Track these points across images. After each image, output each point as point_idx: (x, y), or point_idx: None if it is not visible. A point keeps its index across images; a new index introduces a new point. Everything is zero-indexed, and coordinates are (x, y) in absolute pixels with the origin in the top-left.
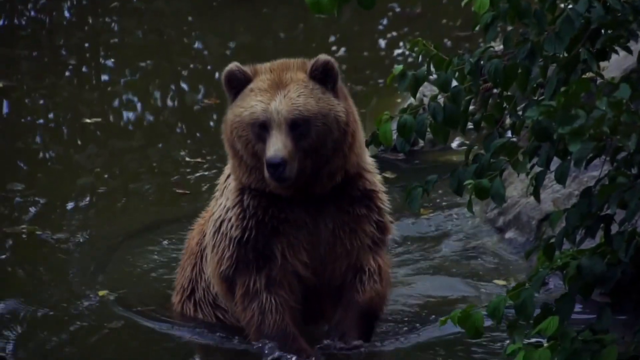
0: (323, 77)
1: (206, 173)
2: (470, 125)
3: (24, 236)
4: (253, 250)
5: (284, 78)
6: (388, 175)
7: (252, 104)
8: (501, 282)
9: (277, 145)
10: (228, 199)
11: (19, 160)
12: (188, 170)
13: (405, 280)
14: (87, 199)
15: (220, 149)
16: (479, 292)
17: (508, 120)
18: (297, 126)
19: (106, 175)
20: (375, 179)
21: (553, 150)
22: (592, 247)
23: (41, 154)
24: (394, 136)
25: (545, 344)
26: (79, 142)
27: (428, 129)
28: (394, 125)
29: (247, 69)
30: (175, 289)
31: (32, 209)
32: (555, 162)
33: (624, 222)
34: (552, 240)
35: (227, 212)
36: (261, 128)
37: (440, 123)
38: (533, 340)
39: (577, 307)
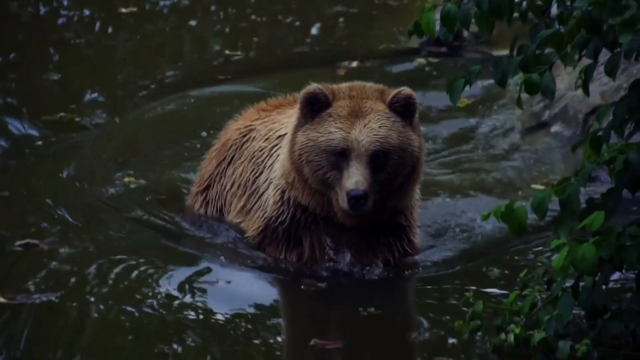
0: (403, 109)
1: (242, 63)
2: (516, 15)
3: (62, 123)
4: (283, 233)
5: (363, 107)
6: (428, 69)
7: (330, 130)
8: (539, 187)
9: (358, 177)
10: (278, 170)
11: (54, 51)
12: (223, 59)
13: (444, 184)
14: (122, 85)
15: (257, 37)
16: (518, 194)
17: (555, 11)
18: (377, 158)
19: (139, 62)
20: (414, 213)
21: (602, 42)
22: None
23: (73, 42)
24: (437, 26)
25: (590, 240)
26: (111, 31)
27: (472, 20)
28: (437, 16)
29: (327, 91)
30: (196, 179)
31: (69, 97)
32: (604, 55)
33: None
34: (599, 133)
35: (270, 185)
36: (338, 156)
37: (486, 12)
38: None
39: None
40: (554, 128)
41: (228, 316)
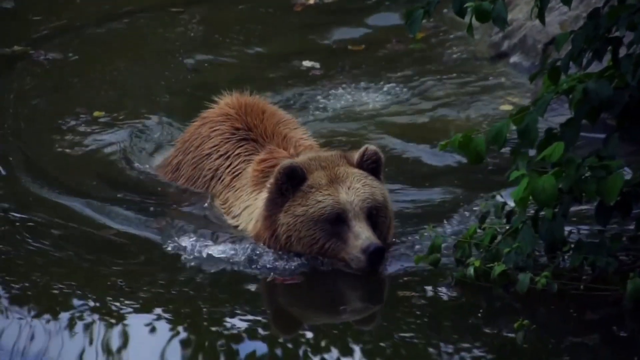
0: (375, 166)
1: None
2: None
3: (16, 56)
4: None
5: (339, 172)
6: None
7: (318, 199)
8: (507, 107)
9: (366, 233)
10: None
11: None
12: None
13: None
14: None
15: None
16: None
17: None
18: (371, 216)
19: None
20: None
21: None
22: (599, 71)
23: None
24: None
25: (550, 171)
26: None
27: None
28: None
29: (302, 166)
30: (167, 158)
31: (27, 30)
32: None
33: (632, 44)
34: (558, 63)
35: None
36: (334, 223)
37: None
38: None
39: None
40: (513, 58)
41: (193, 264)
